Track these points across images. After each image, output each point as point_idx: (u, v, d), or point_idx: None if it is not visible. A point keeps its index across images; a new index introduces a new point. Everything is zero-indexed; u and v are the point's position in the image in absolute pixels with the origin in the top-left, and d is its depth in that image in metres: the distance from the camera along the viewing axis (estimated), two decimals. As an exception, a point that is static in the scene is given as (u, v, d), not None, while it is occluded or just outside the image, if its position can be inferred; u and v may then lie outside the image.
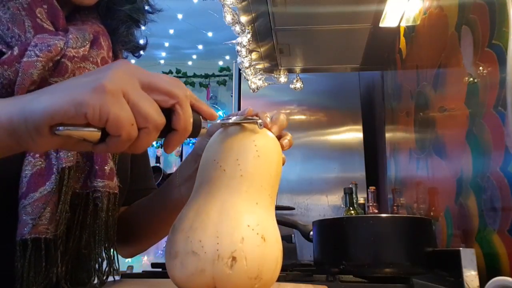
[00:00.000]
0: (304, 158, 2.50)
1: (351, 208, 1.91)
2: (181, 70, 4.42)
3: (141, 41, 0.76)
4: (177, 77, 4.43)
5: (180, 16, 3.52)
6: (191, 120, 0.45)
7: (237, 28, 1.72)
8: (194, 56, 4.36)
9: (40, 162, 0.58)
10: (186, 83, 4.43)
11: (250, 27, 1.75)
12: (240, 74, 2.66)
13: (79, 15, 0.67)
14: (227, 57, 4.29)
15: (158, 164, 3.60)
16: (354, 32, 1.83)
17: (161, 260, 2.83)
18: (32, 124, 0.39)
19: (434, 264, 0.96)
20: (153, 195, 0.77)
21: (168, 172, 3.51)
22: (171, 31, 3.78)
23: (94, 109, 0.38)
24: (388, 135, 2.10)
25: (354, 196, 1.95)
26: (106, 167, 0.63)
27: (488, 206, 0.98)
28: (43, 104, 0.39)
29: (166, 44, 4.07)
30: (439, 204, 1.32)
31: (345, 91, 2.62)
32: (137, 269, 2.27)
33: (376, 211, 1.86)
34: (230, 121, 0.54)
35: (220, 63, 4.38)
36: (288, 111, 2.65)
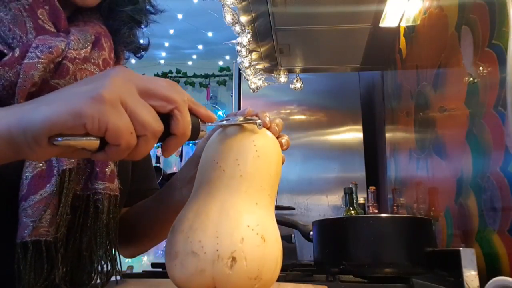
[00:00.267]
0: (304, 158, 2.50)
1: (351, 208, 1.91)
2: (181, 70, 4.42)
3: (143, 41, 0.76)
4: (177, 77, 4.43)
5: (180, 16, 3.52)
6: (190, 124, 0.45)
7: (237, 28, 1.72)
8: (194, 56, 4.36)
9: (41, 164, 0.57)
10: (186, 83, 4.43)
11: (250, 27, 1.75)
12: (240, 74, 2.66)
13: (81, 16, 0.67)
14: (227, 57, 4.30)
15: (158, 164, 3.60)
16: (354, 32, 1.83)
17: (161, 260, 2.84)
18: (31, 135, 0.39)
19: (434, 264, 0.96)
20: (155, 196, 0.77)
21: (168, 172, 3.51)
22: (171, 31, 3.79)
23: (93, 120, 0.38)
24: (388, 135, 2.10)
25: (354, 196, 1.95)
26: (107, 169, 0.63)
27: (488, 206, 0.98)
28: (41, 115, 0.39)
29: (166, 44, 4.07)
30: (439, 204, 1.32)
31: (345, 91, 2.62)
32: (137, 269, 2.27)
33: (376, 211, 1.86)
34: (229, 122, 0.54)
35: (220, 63, 4.38)
36: (288, 111, 2.65)
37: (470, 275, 0.86)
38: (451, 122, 1.22)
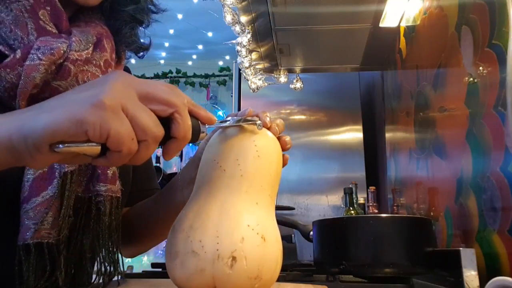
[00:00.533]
0: (304, 158, 2.50)
1: (351, 208, 1.91)
2: (181, 70, 4.42)
3: (144, 41, 0.75)
4: (177, 77, 4.43)
5: (180, 16, 3.52)
6: (190, 127, 0.45)
7: (237, 28, 1.72)
8: (194, 56, 4.36)
9: None
10: (186, 83, 4.43)
11: (250, 27, 1.75)
12: (240, 74, 2.66)
13: (83, 16, 0.67)
14: (227, 57, 4.30)
15: (158, 164, 3.60)
16: (354, 32, 1.83)
17: (161, 260, 2.83)
18: (32, 142, 0.39)
19: (434, 264, 0.96)
20: (156, 196, 0.77)
21: (169, 172, 3.51)
22: (171, 31, 3.79)
23: (94, 127, 0.38)
24: (388, 135, 2.10)
25: (354, 196, 1.95)
26: (108, 171, 0.62)
27: (488, 206, 0.98)
28: (43, 123, 0.39)
29: (166, 44, 4.07)
30: (439, 204, 1.32)
31: (345, 91, 2.62)
32: (137, 269, 2.26)
33: (376, 211, 1.86)
34: (229, 123, 0.54)
35: (220, 63, 4.38)
36: (288, 111, 2.65)
37: (470, 275, 0.86)
38: (451, 122, 1.22)
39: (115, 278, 0.64)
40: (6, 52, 0.57)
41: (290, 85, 2.32)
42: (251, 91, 2.25)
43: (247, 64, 2.02)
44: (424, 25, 1.48)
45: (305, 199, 2.47)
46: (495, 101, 0.94)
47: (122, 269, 0.64)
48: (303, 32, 1.84)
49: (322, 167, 2.50)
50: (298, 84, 2.30)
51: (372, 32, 1.81)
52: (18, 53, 0.55)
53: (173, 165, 3.97)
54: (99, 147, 0.40)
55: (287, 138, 0.58)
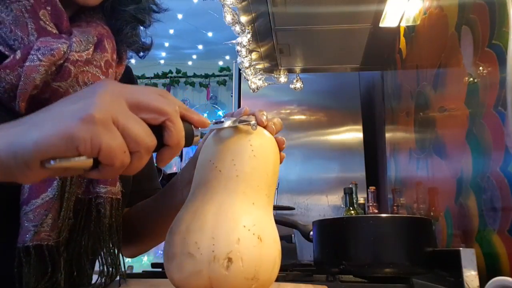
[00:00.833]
0: (304, 158, 2.50)
1: (351, 208, 1.91)
2: (181, 70, 4.42)
3: (145, 41, 0.75)
4: (177, 77, 4.43)
5: (180, 16, 3.52)
6: (183, 134, 0.44)
7: (237, 28, 1.72)
8: (194, 56, 4.36)
9: None
10: (186, 83, 4.43)
11: (250, 27, 1.75)
12: (240, 74, 2.66)
13: (84, 15, 0.66)
14: (227, 57, 4.30)
15: (158, 164, 3.60)
16: (354, 32, 1.83)
17: (161, 260, 2.83)
18: (22, 160, 0.38)
19: (434, 264, 0.96)
20: (157, 196, 0.76)
21: (169, 172, 3.51)
22: (171, 31, 3.79)
23: (85, 142, 0.38)
24: (388, 135, 2.10)
25: (354, 196, 1.95)
26: None
27: (488, 206, 0.98)
28: (32, 140, 0.38)
29: (166, 44, 4.07)
30: (439, 204, 1.32)
31: (345, 91, 2.62)
32: (137, 269, 2.27)
33: (376, 211, 1.86)
34: (223, 125, 0.53)
35: (220, 63, 4.38)
36: (288, 111, 2.65)
37: (470, 275, 0.86)
38: (451, 122, 1.22)
39: (116, 278, 0.64)
40: (6, 52, 0.56)
41: (290, 85, 2.32)
42: (251, 91, 2.25)
43: (247, 64, 2.02)
44: (424, 25, 1.48)
45: (305, 199, 2.47)
46: (495, 101, 0.94)
47: (123, 269, 0.64)
48: (303, 32, 1.84)
49: (322, 167, 2.50)
50: (298, 84, 2.30)
51: (372, 32, 1.81)
52: (18, 54, 0.55)
53: (173, 165, 3.97)
54: (91, 161, 0.39)
55: (282, 139, 0.58)
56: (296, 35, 1.87)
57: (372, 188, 1.90)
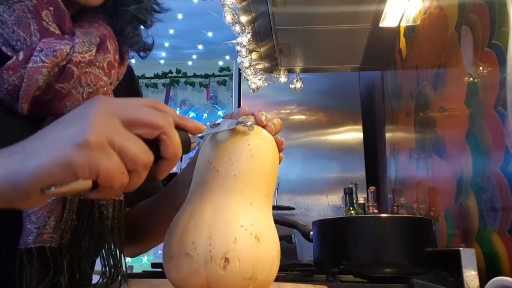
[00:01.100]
0: (304, 158, 2.50)
1: (351, 208, 1.90)
2: (181, 70, 4.42)
3: (147, 41, 0.74)
4: (177, 77, 4.43)
5: (180, 16, 3.52)
6: (180, 145, 0.44)
7: (237, 28, 1.72)
8: (194, 56, 4.36)
9: None
10: (186, 83, 4.43)
11: (250, 27, 1.75)
12: (240, 74, 2.66)
13: (86, 16, 0.66)
14: (227, 57, 4.30)
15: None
16: (354, 32, 1.83)
17: (161, 260, 2.83)
18: (21, 189, 0.38)
19: (434, 264, 0.96)
20: (158, 196, 0.76)
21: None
22: (171, 31, 3.79)
23: (83, 168, 0.38)
24: (388, 135, 2.10)
25: (354, 196, 1.94)
26: None
27: (488, 206, 0.98)
28: (30, 170, 0.38)
29: (166, 44, 4.07)
30: (439, 204, 1.32)
31: (345, 91, 2.62)
32: (137, 269, 2.27)
33: (376, 211, 1.86)
34: (219, 128, 0.53)
35: (220, 63, 4.38)
36: (288, 111, 2.65)
37: (470, 275, 0.86)
38: (451, 122, 1.22)
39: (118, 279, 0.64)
40: (9, 53, 0.56)
41: (290, 85, 2.32)
42: (251, 91, 2.25)
43: (247, 64, 2.02)
44: (424, 25, 1.48)
45: (305, 199, 2.47)
46: (495, 101, 0.94)
47: (125, 270, 0.64)
48: (303, 32, 1.84)
49: (322, 167, 2.50)
50: (298, 84, 2.30)
51: (372, 32, 1.81)
52: (21, 55, 0.55)
53: (173, 165, 3.97)
54: (90, 183, 0.39)
55: (281, 139, 0.58)
56: (296, 35, 1.87)
57: (372, 188, 1.90)
